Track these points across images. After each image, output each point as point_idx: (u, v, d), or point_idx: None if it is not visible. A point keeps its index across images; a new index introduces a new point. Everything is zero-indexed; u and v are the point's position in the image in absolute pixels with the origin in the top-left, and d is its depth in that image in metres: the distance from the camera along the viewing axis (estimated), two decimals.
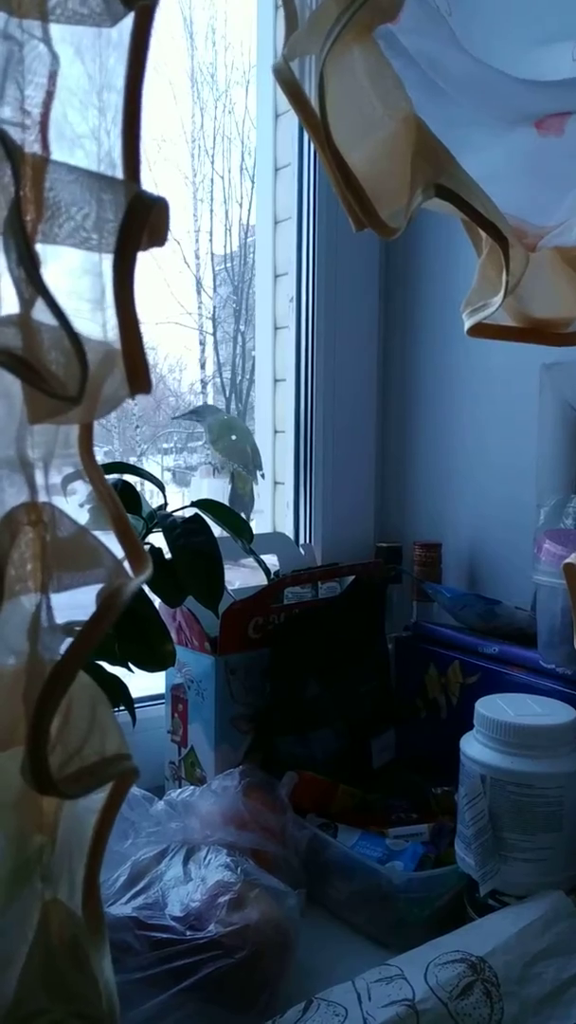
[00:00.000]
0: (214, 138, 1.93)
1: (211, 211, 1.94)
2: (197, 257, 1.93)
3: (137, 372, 0.30)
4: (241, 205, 1.95)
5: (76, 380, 0.28)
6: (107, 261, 0.30)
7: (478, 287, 0.49)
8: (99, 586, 0.30)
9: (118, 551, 0.33)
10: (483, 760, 0.70)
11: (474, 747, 0.72)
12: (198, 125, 1.93)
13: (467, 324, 0.50)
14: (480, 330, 0.50)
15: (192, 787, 0.83)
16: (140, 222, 0.28)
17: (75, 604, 0.35)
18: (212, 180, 1.93)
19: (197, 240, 1.94)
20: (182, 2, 1.86)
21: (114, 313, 0.30)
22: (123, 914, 0.67)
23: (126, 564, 0.32)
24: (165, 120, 1.85)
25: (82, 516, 0.42)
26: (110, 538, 0.34)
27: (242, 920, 0.65)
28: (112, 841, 0.62)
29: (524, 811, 0.68)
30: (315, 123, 0.39)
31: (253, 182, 1.79)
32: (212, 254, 1.96)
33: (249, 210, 1.91)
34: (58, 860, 0.33)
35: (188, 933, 0.65)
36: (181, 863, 0.75)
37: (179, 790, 0.82)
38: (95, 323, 0.31)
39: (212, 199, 1.93)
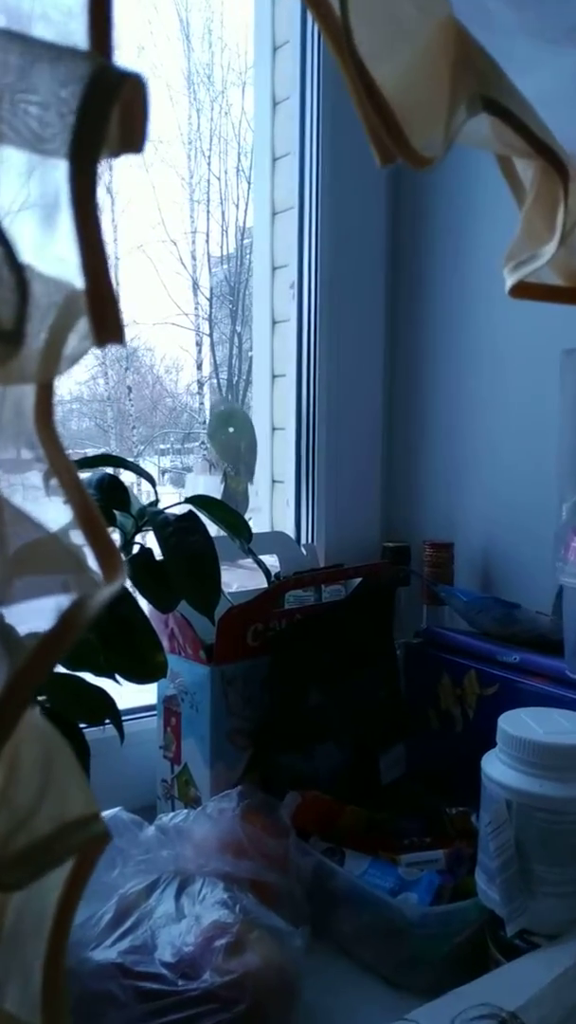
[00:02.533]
0: (211, 140, 1.98)
1: (208, 212, 1.96)
2: (194, 258, 1.99)
3: (104, 315, 0.22)
4: (238, 206, 1.99)
5: (10, 307, 0.21)
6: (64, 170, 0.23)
7: (522, 238, 0.41)
8: (57, 598, 0.23)
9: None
10: (508, 783, 0.63)
11: (498, 768, 0.65)
12: (195, 127, 1.95)
13: (508, 282, 0.43)
14: (524, 290, 0.43)
15: (185, 811, 0.75)
16: (104, 105, 0.21)
17: (40, 610, 0.28)
18: (209, 181, 1.95)
19: (194, 241, 1.97)
20: (179, 4, 1.88)
21: (73, 240, 0.23)
22: (107, 960, 0.60)
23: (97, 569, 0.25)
24: (162, 122, 1.88)
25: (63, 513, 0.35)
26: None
27: (241, 967, 0.58)
28: (98, 870, 0.55)
29: (555, 840, 0.61)
30: (335, 29, 0.32)
31: (249, 182, 1.83)
32: (209, 255, 1.97)
33: (246, 211, 1.94)
34: (5, 958, 0.26)
35: (180, 983, 0.58)
36: (173, 897, 0.68)
37: (171, 814, 0.75)
38: (49, 256, 0.24)
39: (209, 200, 1.97)
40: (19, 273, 0.22)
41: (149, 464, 1.93)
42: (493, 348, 1.03)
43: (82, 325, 0.25)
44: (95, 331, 0.23)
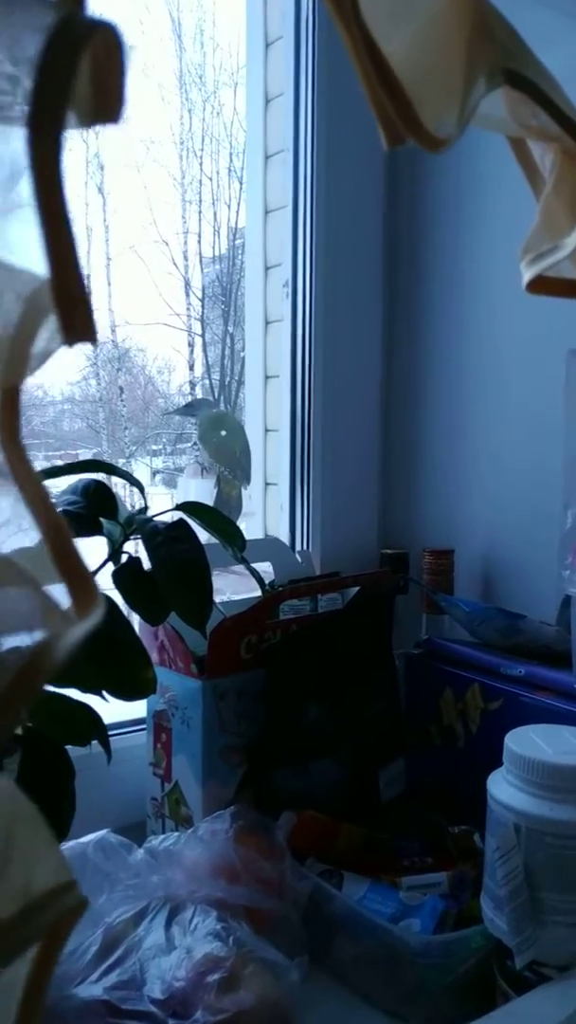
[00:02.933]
0: (202, 140, 1.98)
1: (199, 213, 1.95)
2: (186, 259, 1.97)
3: (72, 311, 0.19)
4: (229, 207, 2.00)
5: None
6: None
7: (541, 229, 0.38)
8: (15, 640, 0.20)
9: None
10: (516, 806, 0.60)
11: (505, 790, 0.62)
12: (186, 127, 1.93)
13: (526, 276, 0.39)
14: (543, 285, 0.40)
15: (176, 833, 0.72)
16: (68, 59, 0.18)
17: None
18: (200, 182, 1.92)
19: (186, 242, 1.97)
20: (170, 4, 1.88)
21: (36, 223, 0.20)
22: (92, 996, 0.57)
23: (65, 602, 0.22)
24: (154, 122, 1.86)
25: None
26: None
27: (234, 1006, 0.55)
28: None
29: (567, 867, 0.58)
30: None
31: (241, 182, 1.81)
32: (201, 256, 1.96)
33: (238, 212, 1.94)
34: None
35: (170, 1022, 0.54)
36: (163, 926, 0.65)
37: (161, 837, 0.72)
38: (14, 242, 0.21)
39: (201, 201, 1.95)
40: None
41: (141, 465, 1.92)
42: (494, 348, 1.00)
43: (52, 322, 0.22)
44: (63, 329, 0.20)
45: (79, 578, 0.22)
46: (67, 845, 0.71)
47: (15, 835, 0.21)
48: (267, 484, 1.29)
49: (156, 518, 0.73)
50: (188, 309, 1.94)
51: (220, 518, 0.78)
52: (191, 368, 1.97)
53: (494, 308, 0.99)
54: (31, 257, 0.23)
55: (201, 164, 1.91)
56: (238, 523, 0.84)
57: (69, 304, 0.19)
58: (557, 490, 0.88)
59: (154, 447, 2.01)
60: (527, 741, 0.63)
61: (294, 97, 1.08)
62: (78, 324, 0.20)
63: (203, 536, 0.73)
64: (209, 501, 1.29)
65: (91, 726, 0.65)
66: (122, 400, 1.95)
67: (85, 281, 0.19)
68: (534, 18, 0.36)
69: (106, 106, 0.20)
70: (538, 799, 0.59)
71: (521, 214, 0.95)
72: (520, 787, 0.61)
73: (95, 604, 0.22)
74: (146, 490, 0.77)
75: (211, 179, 1.94)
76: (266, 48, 1.37)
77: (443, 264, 1.06)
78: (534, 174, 0.41)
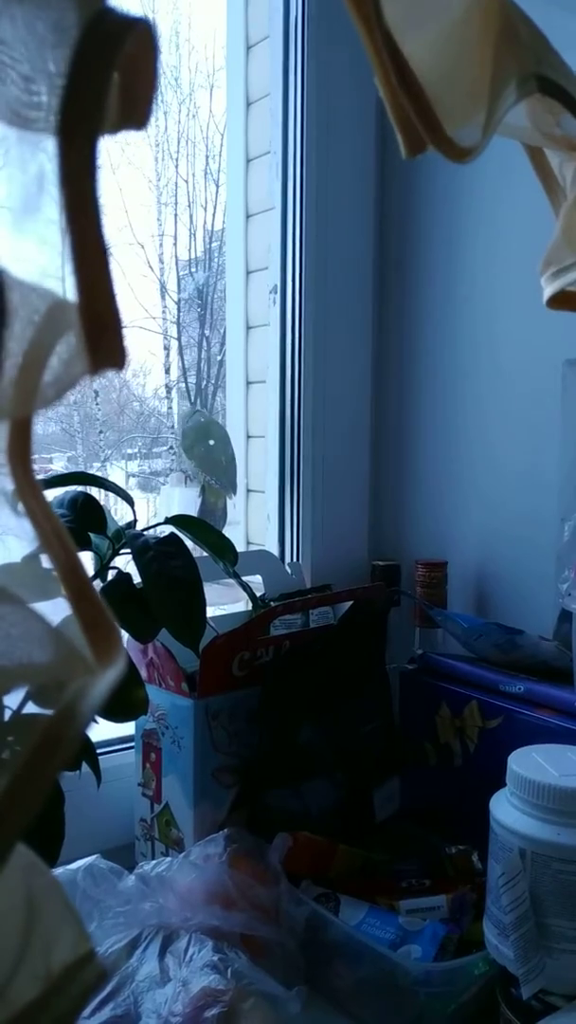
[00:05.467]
0: (178, 142, 1.95)
1: (175, 215, 1.94)
2: (161, 261, 1.96)
3: (100, 336, 0.17)
4: (206, 209, 1.98)
5: None
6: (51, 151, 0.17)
7: (562, 242, 0.36)
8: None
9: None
10: (522, 831, 0.58)
11: (509, 813, 0.60)
12: (162, 129, 1.91)
13: (547, 291, 0.38)
14: (564, 300, 0.38)
15: (168, 859, 0.70)
16: (105, 61, 0.16)
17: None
18: (176, 184, 1.90)
19: (161, 244, 1.96)
20: (145, 6, 1.88)
21: (64, 240, 0.18)
22: None
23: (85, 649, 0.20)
24: None
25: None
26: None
27: None
28: None
29: (574, 893, 0.57)
30: None
31: (217, 185, 1.82)
32: (177, 258, 1.95)
33: (214, 214, 1.94)
34: None
35: None
36: (156, 956, 0.63)
37: (153, 862, 0.70)
38: (22, 255, 0.19)
39: (176, 203, 1.93)
40: None
41: (116, 469, 1.91)
42: (487, 356, 0.98)
43: (67, 345, 0.20)
44: (90, 353, 0.18)
45: (100, 625, 0.21)
46: (56, 872, 0.69)
47: (37, 909, 0.19)
48: (249, 491, 1.27)
49: (146, 532, 0.71)
50: (164, 312, 1.92)
51: (211, 532, 0.76)
52: (167, 371, 1.96)
53: (488, 315, 0.98)
54: (41, 266, 0.22)
55: (177, 166, 1.91)
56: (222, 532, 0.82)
57: (98, 329, 0.17)
58: (552, 501, 0.87)
59: (129, 451, 2.00)
60: (531, 762, 0.61)
61: (282, 98, 1.06)
62: (106, 349, 0.18)
63: (192, 548, 0.71)
64: (193, 510, 1.27)
65: (81, 750, 0.62)
66: (97, 403, 1.93)
67: (118, 305, 0.17)
68: (554, 18, 0.34)
69: (133, 112, 0.18)
70: (544, 823, 0.58)
71: (517, 219, 0.94)
72: (525, 810, 0.59)
73: (117, 653, 0.20)
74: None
75: (187, 181, 1.93)
76: (247, 50, 1.35)
77: (435, 270, 1.05)
78: (553, 185, 0.39)
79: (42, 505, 0.20)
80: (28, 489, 0.20)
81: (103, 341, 0.18)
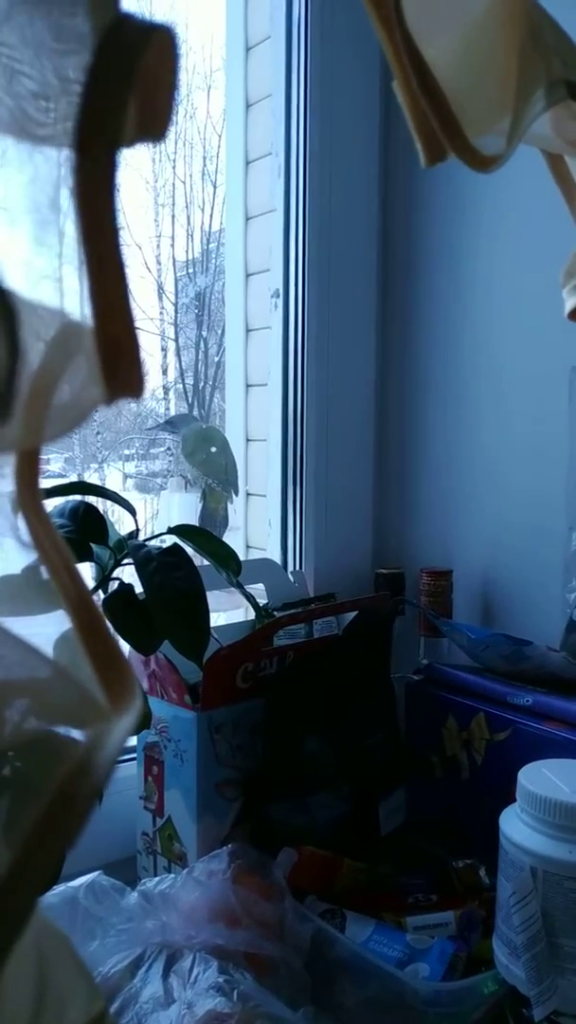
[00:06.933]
0: (175, 143, 1.94)
1: (173, 216, 1.93)
2: (159, 263, 1.94)
3: (120, 360, 0.16)
4: (203, 210, 1.97)
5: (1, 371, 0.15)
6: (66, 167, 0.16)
7: None
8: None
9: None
10: (533, 849, 0.57)
11: (520, 830, 0.59)
12: None
13: (569, 304, 0.37)
14: None
15: (171, 876, 0.69)
16: (125, 70, 0.15)
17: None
18: (174, 185, 1.90)
19: (159, 245, 1.95)
20: (143, 8, 1.87)
21: (77, 260, 0.16)
22: None
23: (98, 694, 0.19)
24: None
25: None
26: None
27: None
28: (76, 943, 0.48)
29: None
30: None
31: (215, 186, 1.81)
32: (174, 259, 1.94)
33: (211, 216, 1.93)
34: None
35: None
36: (160, 975, 0.61)
37: (156, 879, 0.68)
38: (42, 276, 0.18)
39: (174, 204, 1.91)
40: (4, 303, 0.16)
41: (113, 470, 1.91)
42: (493, 361, 0.97)
43: (79, 371, 0.19)
44: (105, 380, 0.17)
45: (114, 666, 0.19)
46: (57, 889, 0.68)
47: (49, 971, 0.18)
48: (248, 495, 1.26)
49: (149, 543, 0.70)
50: (161, 313, 1.93)
51: (214, 541, 0.75)
52: (164, 373, 1.96)
53: (493, 320, 0.97)
54: (48, 288, 0.20)
55: (174, 167, 1.90)
56: (223, 537, 0.81)
57: (115, 354, 0.16)
58: (559, 509, 0.86)
59: (127, 452, 1.99)
60: (541, 778, 0.60)
61: (284, 99, 1.05)
62: (123, 376, 0.17)
63: (192, 555, 0.70)
64: (194, 516, 1.25)
65: None
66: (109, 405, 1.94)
67: (136, 329, 0.16)
68: (574, 22, 0.33)
69: (152, 122, 0.17)
70: (556, 841, 0.57)
71: (523, 223, 0.93)
72: (536, 828, 0.58)
73: (134, 696, 0.19)
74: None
75: (184, 183, 1.93)
76: (247, 52, 1.34)
77: (440, 274, 1.04)
78: (573, 193, 0.38)
79: (54, 540, 0.19)
80: (39, 525, 0.19)
81: (120, 367, 0.17)
